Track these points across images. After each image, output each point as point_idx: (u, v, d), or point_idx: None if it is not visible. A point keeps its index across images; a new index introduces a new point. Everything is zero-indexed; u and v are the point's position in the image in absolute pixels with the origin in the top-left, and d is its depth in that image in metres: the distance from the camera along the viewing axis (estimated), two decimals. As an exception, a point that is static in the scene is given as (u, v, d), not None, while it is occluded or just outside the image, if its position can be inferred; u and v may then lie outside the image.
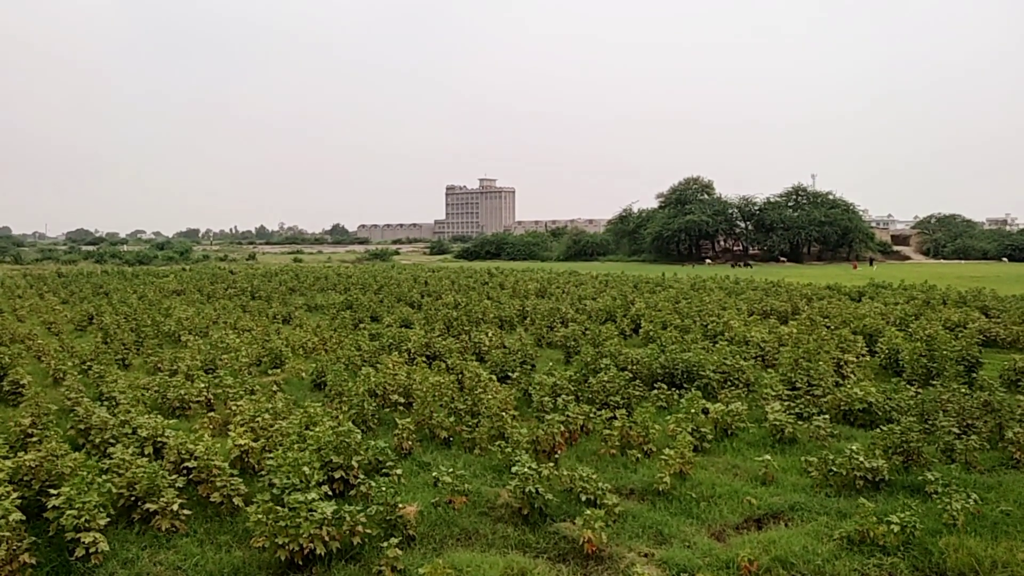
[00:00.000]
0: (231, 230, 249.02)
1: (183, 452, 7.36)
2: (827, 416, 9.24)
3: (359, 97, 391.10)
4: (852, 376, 11.60)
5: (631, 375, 11.05)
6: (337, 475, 7.16)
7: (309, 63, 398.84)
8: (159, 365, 13.32)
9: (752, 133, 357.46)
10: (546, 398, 9.84)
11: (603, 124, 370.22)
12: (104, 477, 6.51)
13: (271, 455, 7.24)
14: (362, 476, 7.30)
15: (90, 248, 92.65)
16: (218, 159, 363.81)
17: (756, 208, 69.00)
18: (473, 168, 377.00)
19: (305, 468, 6.57)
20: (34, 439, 8.06)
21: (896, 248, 70.03)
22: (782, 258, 64.60)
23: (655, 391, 10.78)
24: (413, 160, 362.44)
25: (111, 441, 8.15)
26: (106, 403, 9.94)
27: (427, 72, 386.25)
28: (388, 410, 10.22)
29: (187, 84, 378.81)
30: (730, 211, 69.11)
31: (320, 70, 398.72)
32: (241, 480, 7.13)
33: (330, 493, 7.03)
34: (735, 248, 74.42)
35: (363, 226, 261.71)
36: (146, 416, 8.60)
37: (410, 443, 8.53)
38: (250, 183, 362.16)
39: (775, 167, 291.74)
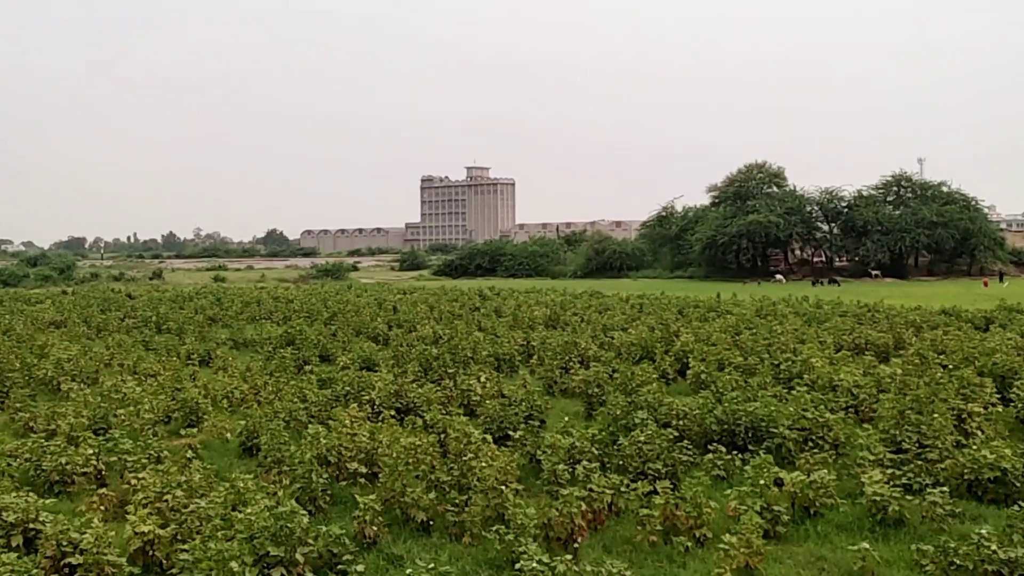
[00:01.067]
0: (129, 239, 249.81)
1: (64, 543, 7.34)
2: (946, 488, 9.22)
3: (302, 59, 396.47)
4: (979, 433, 11.70)
5: (676, 433, 11.04)
6: (276, 573, 7.15)
7: (237, 8, 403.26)
8: (31, 424, 13.44)
9: (836, 102, 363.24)
10: (560, 466, 9.94)
11: (633, 92, 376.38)
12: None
13: (185, 546, 7.23)
14: (310, 575, 7.34)
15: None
16: (113, 140, 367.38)
17: (843, 205, 69.57)
18: (458, 156, 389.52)
19: (233, 564, 6.55)
20: None
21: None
22: (874, 271, 64.61)
23: (709, 455, 10.83)
24: (377, 145, 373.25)
25: (-39, 529, 8.10)
26: (-47, 478, 10.01)
27: (398, 27, 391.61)
28: (345, 483, 10.31)
29: (70, 43, 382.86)
30: (808, 209, 69.74)
31: (251, 17, 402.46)
32: (145, 582, 7.26)
33: (266, 600, 7.12)
34: (815, 259, 74.77)
35: (309, 233, 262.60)
36: (13, 494, 8.62)
37: (375, 528, 8.54)
38: (155, 175, 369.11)
39: (863, 152, 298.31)
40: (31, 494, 8.73)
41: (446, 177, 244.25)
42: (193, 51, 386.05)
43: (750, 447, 11.37)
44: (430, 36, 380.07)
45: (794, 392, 13.26)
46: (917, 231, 63.69)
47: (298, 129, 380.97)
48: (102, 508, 9.10)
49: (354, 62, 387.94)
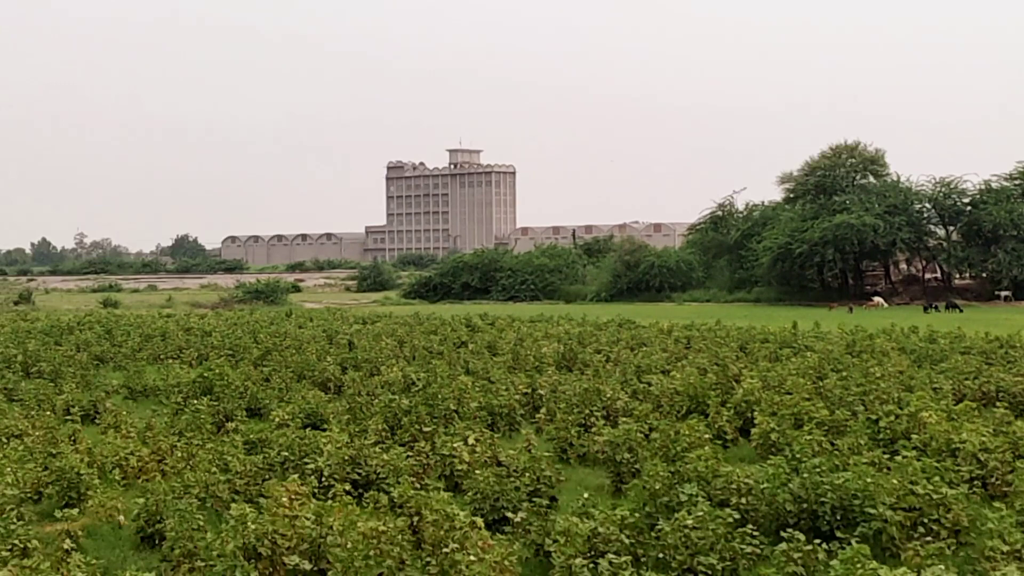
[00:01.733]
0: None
1: None
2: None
3: (227, 12, 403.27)
4: None
5: (737, 516, 11.03)
6: None
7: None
8: None
9: (953, 64, 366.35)
10: (578, 560, 9.93)
11: (673, 48, 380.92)
12: None
13: None
14: None
15: None
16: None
17: (966, 202, 69.75)
18: (437, 137, 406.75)
19: None
20: None
21: None
22: (1006, 293, 64.72)
23: (783, 545, 10.70)
24: (325, 126, 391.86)
25: None
26: None
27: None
28: (281, 585, 10.38)
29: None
30: (918, 207, 69.96)
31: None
32: None
33: None
34: (927, 276, 74.69)
35: (233, 240, 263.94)
36: None
37: (323, 649, 8.56)
38: (21, 162, 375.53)
39: (992, 133, 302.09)
40: None
41: (421, 164, 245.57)
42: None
43: (838, 534, 11.44)
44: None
45: (899, 458, 13.20)
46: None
47: (219, 105, 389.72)
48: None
49: (295, 29, 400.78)
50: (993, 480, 13.77)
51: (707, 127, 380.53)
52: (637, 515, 11.35)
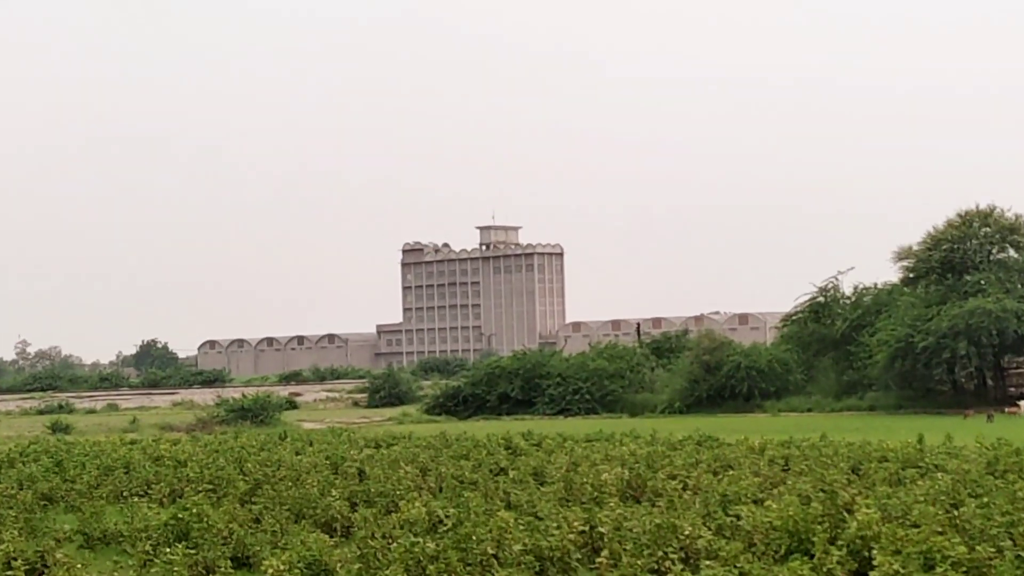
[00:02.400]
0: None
1: None
2: None
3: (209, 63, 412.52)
4: None
5: None
6: None
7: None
8: None
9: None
10: None
11: (758, 109, 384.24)
12: None
13: None
14: None
15: None
16: None
17: None
18: (463, 216, 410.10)
19: None
20: None
21: None
22: None
23: None
24: (321, 200, 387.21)
25: None
26: None
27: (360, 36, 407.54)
28: None
29: None
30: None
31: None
32: None
33: None
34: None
35: (211, 346, 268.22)
36: None
37: None
38: None
39: None
40: None
41: (445, 246, 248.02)
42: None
43: None
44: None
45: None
46: None
47: (192, 175, 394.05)
48: None
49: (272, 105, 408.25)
50: None
51: (802, 193, 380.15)
52: None
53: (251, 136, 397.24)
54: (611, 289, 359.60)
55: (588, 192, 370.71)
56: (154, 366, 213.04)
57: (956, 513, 21.21)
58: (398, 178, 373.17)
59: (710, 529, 21.14)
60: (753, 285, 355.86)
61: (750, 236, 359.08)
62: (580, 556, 20.40)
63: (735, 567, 17.15)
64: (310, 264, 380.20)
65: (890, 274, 79.11)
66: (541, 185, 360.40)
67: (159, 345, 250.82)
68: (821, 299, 79.22)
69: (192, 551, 20.98)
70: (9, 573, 20.73)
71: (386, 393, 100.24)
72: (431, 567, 18.14)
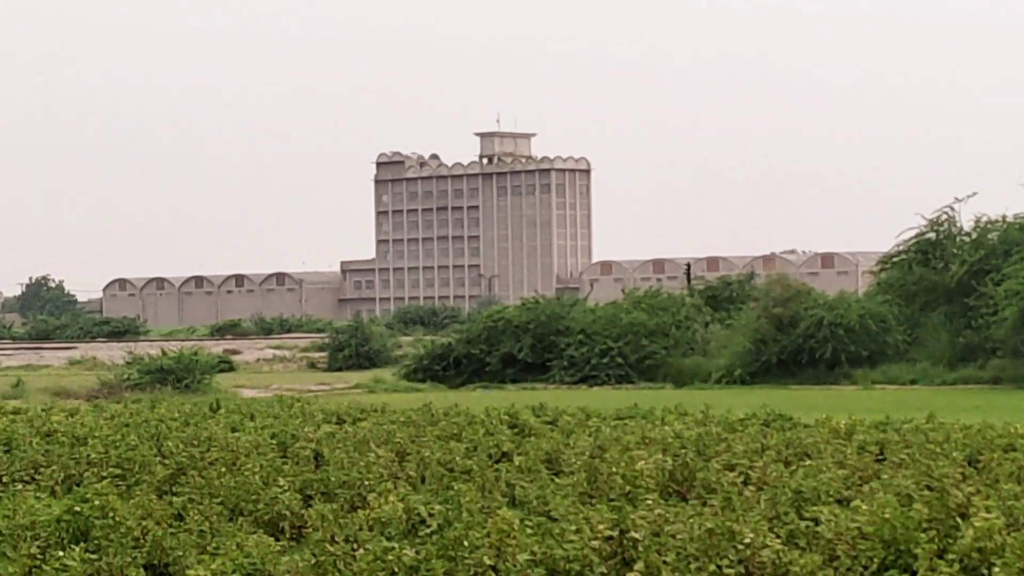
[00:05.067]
0: None
1: None
2: None
3: None
4: None
5: None
6: None
7: None
8: None
9: None
10: None
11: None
12: None
13: None
14: None
15: None
16: None
17: None
18: (458, 122, 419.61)
19: None
20: None
21: None
22: None
23: None
24: (267, 102, 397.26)
25: None
26: None
27: None
28: None
29: None
30: None
31: None
32: None
33: None
34: None
35: (120, 287, 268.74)
36: None
37: None
38: None
39: None
40: None
41: (433, 158, 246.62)
42: None
43: None
44: None
45: None
46: None
47: (104, 71, 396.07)
48: None
49: None
50: None
51: (907, 105, 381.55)
52: None
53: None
54: (652, 219, 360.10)
55: (622, 92, 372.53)
56: (45, 312, 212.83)
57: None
58: (372, 71, 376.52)
59: (779, 536, 21.04)
60: (840, 217, 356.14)
61: (836, 153, 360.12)
62: (606, 569, 20.45)
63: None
64: (252, 182, 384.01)
65: (1014, 199, 78.38)
66: (561, 81, 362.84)
67: (52, 284, 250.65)
68: (931, 235, 77.51)
69: (93, 555, 20.81)
70: None
71: (352, 352, 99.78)
72: (412, 585, 18.43)
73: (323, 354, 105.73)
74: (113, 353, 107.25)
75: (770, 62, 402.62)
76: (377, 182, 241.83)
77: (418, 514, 24.40)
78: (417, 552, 19.71)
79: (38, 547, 22.74)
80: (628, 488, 28.04)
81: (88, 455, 35.76)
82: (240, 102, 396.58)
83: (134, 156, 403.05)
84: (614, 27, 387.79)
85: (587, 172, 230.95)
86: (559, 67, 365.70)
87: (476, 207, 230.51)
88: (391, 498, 26.08)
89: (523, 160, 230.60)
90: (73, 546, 22.19)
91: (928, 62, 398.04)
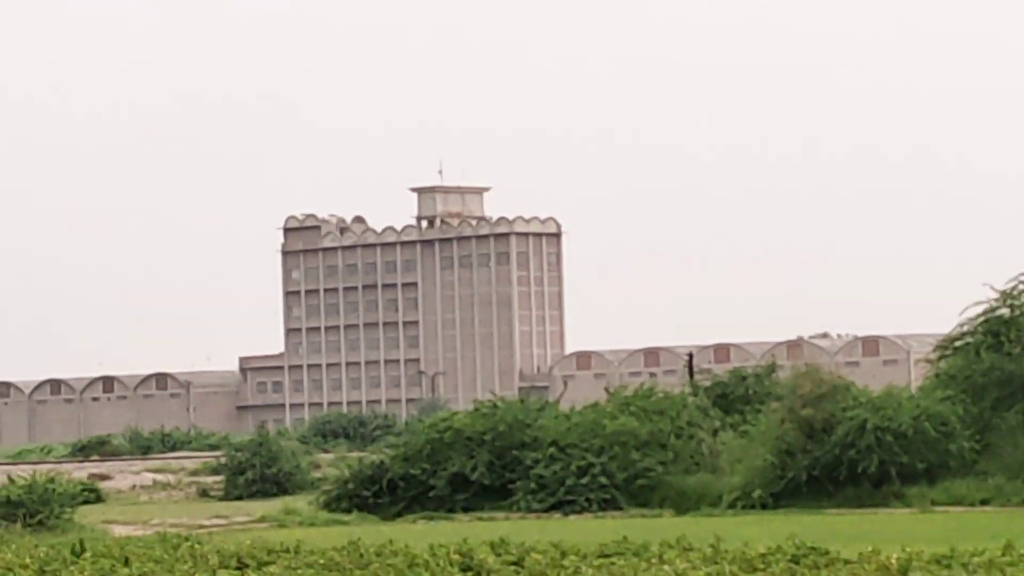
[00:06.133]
0: None
1: None
2: None
3: None
4: None
5: None
6: None
7: None
8: None
9: None
10: None
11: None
12: None
13: None
14: None
15: None
16: None
17: None
18: (387, 174, 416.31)
19: None
20: None
21: None
22: None
23: None
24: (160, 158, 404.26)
25: None
26: None
27: None
28: None
29: None
30: None
31: None
32: None
33: None
34: None
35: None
36: None
37: None
38: None
39: None
40: None
41: (358, 220, 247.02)
42: None
43: None
44: None
45: None
46: None
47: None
48: None
49: None
50: None
51: (964, 151, 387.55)
52: None
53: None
54: (642, 297, 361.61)
55: (600, 134, 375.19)
56: None
57: None
58: (275, 114, 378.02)
59: None
60: (885, 291, 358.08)
61: (877, 214, 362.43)
62: None
63: None
64: (121, 256, 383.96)
65: None
66: (520, 122, 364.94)
67: None
68: (1004, 312, 77.92)
69: None
70: None
71: (256, 475, 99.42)
72: None
73: (218, 478, 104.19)
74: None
75: (795, 97, 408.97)
76: (285, 254, 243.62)
77: None
78: None
79: None
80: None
81: None
82: (100, 152, 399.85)
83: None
84: (589, 56, 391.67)
85: (556, 236, 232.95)
86: (517, 105, 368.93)
87: (414, 284, 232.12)
88: None
89: (473, 222, 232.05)
90: None
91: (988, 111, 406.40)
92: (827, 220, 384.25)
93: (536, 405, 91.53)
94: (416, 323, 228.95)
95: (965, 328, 79.81)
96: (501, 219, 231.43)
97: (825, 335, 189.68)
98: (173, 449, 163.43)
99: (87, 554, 51.49)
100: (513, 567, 41.06)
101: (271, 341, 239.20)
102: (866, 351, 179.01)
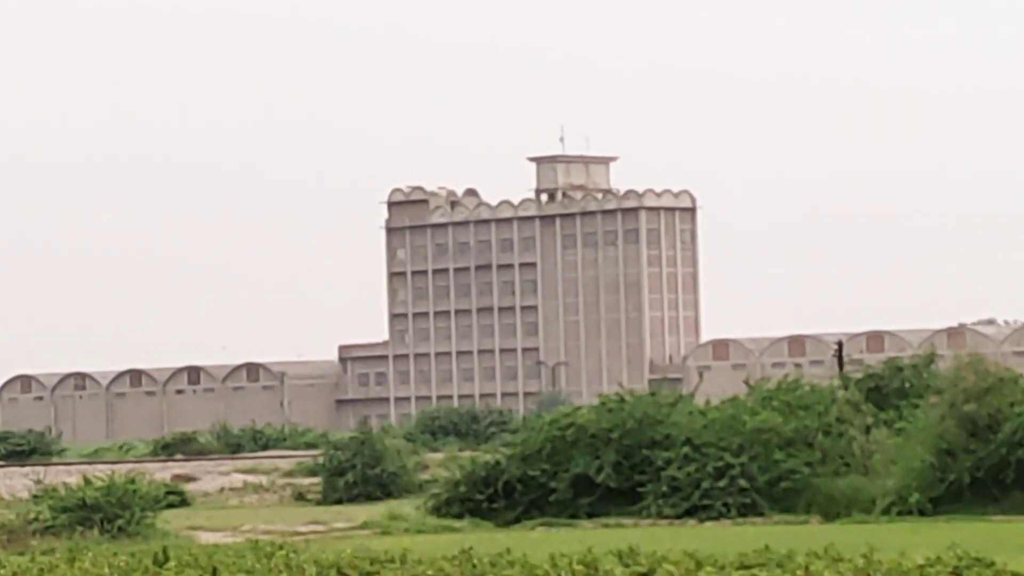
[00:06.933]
0: None
1: None
2: None
3: None
4: None
5: None
6: None
7: None
8: None
9: None
10: None
11: None
12: None
13: None
14: None
15: None
16: None
17: None
18: (502, 143, 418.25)
19: None
20: None
21: None
22: None
23: None
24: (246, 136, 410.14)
25: None
26: None
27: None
28: None
29: None
30: None
31: None
32: None
33: None
34: None
35: (22, 387, 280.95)
36: None
37: None
38: None
39: None
40: None
41: (470, 193, 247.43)
42: None
43: None
44: None
45: None
46: None
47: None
48: None
49: None
50: None
51: None
52: None
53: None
54: (786, 279, 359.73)
55: (741, 98, 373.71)
56: None
57: None
58: (380, 77, 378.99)
59: None
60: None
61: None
62: None
63: None
64: (209, 235, 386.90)
65: None
66: (650, 85, 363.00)
67: None
68: None
69: None
70: None
71: (358, 476, 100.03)
72: None
73: (315, 480, 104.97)
74: (14, 483, 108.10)
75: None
76: (390, 231, 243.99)
77: None
78: None
79: None
80: None
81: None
82: (190, 119, 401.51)
83: (40, 206, 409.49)
84: (718, 14, 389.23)
85: (691, 211, 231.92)
86: (645, 66, 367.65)
87: (532, 264, 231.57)
88: None
89: (599, 196, 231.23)
90: None
91: None
92: (992, 194, 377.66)
93: (668, 399, 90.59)
94: (535, 308, 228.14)
95: None
96: (629, 192, 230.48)
97: (991, 321, 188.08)
98: (265, 448, 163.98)
99: (171, 563, 51.64)
100: (646, 579, 41.16)
101: (374, 328, 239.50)
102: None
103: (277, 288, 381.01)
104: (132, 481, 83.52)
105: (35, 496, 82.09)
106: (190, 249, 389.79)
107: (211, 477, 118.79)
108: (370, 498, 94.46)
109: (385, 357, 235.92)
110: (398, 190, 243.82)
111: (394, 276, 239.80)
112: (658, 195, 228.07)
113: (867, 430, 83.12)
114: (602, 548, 48.77)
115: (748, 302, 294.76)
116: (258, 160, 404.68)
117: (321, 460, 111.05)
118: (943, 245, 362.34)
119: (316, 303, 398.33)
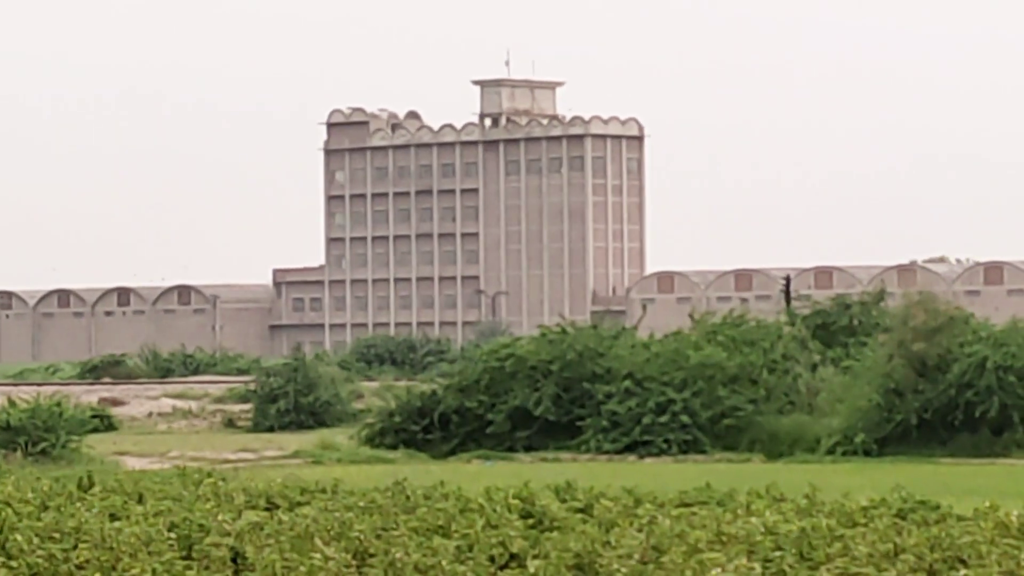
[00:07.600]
0: None
1: None
2: None
3: None
4: None
5: None
6: None
7: None
8: None
9: None
10: None
11: None
12: None
13: None
14: None
15: None
16: None
17: None
18: (445, 64, 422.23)
19: None
20: None
21: None
22: None
23: None
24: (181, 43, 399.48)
25: None
26: None
27: None
28: None
29: None
30: None
31: None
32: None
33: None
34: None
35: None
36: None
37: None
38: None
39: None
40: None
41: (411, 116, 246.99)
42: None
43: None
44: None
45: None
46: None
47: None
48: None
49: None
50: None
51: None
52: None
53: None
54: (733, 212, 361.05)
55: (688, 24, 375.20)
56: None
57: None
58: (327, 2, 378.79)
59: None
60: (1010, 211, 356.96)
61: (1004, 115, 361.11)
62: None
63: None
64: (140, 153, 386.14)
65: None
66: (599, 7, 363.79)
67: None
68: None
69: None
70: None
71: (290, 404, 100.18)
72: None
73: (246, 407, 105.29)
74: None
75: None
76: (328, 153, 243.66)
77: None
78: None
79: None
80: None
81: None
82: (126, 39, 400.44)
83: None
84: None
85: (638, 140, 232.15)
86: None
87: (474, 190, 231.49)
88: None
89: (544, 122, 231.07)
90: None
91: None
92: (946, 130, 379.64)
93: (611, 332, 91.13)
94: (476, 235, 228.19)
95: None
96: (575, 119, 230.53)
97: (942, 259, 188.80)
98: (196, 372, 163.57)
99: (96, 489, 51.53)
100: (580, 515, 40.89)
101: (310, 252, 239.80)
102: (988, 279, 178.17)
103: (212, 210, 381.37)
104: (58, 404, 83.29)
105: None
106: (124, 170, 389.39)
107: (139, 401, 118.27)
108: (302, 426, 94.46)
109: (321, 282, 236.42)
110: (337, 111, 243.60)
111: (332, 199, 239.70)
112: (605, 122, 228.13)
113: (813, 368, 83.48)
114: (539, 483, 48.77)
115: (695, 235, 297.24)
116: (195, 82, 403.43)
117: (253, 387, 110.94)
118: (894, 180, 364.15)
119: (251, 226, 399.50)
